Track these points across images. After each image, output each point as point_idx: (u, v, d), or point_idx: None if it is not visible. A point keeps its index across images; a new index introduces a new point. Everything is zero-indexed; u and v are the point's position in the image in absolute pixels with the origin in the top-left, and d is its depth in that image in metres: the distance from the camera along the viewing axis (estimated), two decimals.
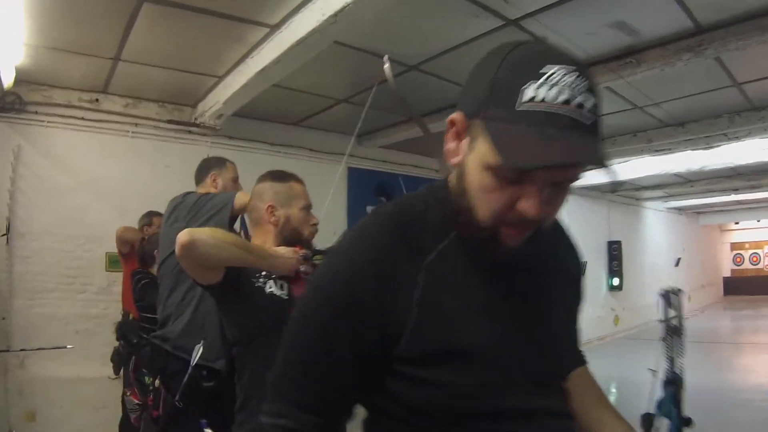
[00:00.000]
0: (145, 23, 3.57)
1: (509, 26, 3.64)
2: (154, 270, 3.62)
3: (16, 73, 4.08)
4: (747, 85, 5.03)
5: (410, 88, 4.64)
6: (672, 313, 3.33)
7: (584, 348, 1.18)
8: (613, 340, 10.37)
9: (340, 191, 5.93)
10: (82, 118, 4.83)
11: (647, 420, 2.83)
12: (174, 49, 4.03)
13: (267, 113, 5.65)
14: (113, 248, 4.34)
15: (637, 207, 12.54)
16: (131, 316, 4.07)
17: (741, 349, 10.03)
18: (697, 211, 15.78)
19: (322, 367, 0.90)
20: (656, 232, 13.46)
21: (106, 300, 4.79)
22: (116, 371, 4.11)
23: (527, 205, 0.81)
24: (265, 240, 1.96)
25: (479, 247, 0.89)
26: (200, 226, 2.70)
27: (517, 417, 0.89)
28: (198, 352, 2.39)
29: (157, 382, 2.85)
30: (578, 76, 0.76)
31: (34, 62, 4.13)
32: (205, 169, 3.25)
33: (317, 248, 2.11)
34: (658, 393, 3.13)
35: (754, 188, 10.38)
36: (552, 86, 0.75)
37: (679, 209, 14.62)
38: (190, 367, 2.43)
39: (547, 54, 0.78)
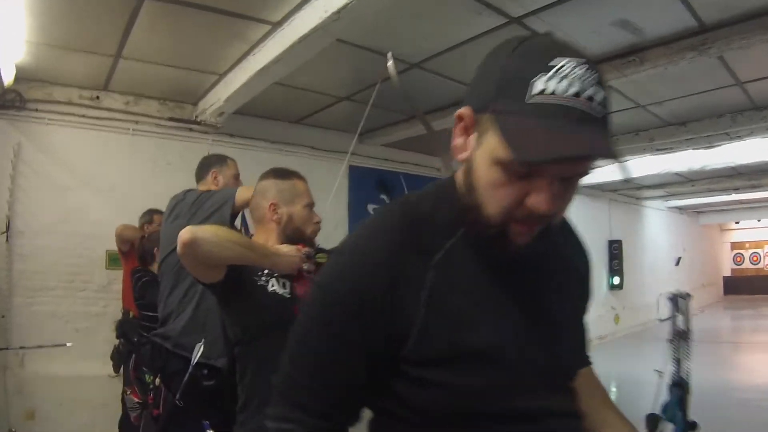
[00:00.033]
0: (147, 20, 3.55)
1: (512, 24, 3.61)
2: (154, 268, 3.61)
3: (17, 70, 4.07)
4: (749, 85, 5.01)
5: (412, 86, 4.62)
6: (679, 316, 3.31)
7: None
8: (613, 339, 10.36)
9: (342, 189, 5.91)
10: (83, 116, 4.81)
11: (652, 421, 2.82)
12: (175, 46, 4.01)
13: (268, 111, 5.63)
14: (113, 246, 4.32)
15: (637, 206, 12.53)
16: (131, 314, 4.06)
17: (741, 348, 10.03)
18: (698, 211, 15.77)
19: (330, 369, 0.89)
20: (657, 231, 13.44)
21: (106, 298, 4.78)
22: (116, 369, 4.10)
23: (537, 201, 0.79)
24: (267, 238, 1.94)
25: (487, 245, 0.88)
26: (201, 223, 2.69)
27: (526, 418, 0.88)
28: (199, 350, 2.38)
29: (157, 380, 2.84)
30: (587, 69, 0.76)
31: (34, 59, 4.11)
32: (205, 166, 3.23)
33: (320, 246, 2.10)
34: (664, 396, 3.11)
35: (754, 188, 10.37)
36: (562, 78, 0.74)
37: (680, 208, 14.61)
38: (190, 366, 2.41)
39: (556, 47, 0.78)
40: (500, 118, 0.78)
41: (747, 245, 19.86)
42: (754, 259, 19.70)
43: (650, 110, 5.73)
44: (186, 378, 2.48)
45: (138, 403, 3.14)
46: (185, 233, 1.62)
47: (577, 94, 0.74)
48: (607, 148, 0.75)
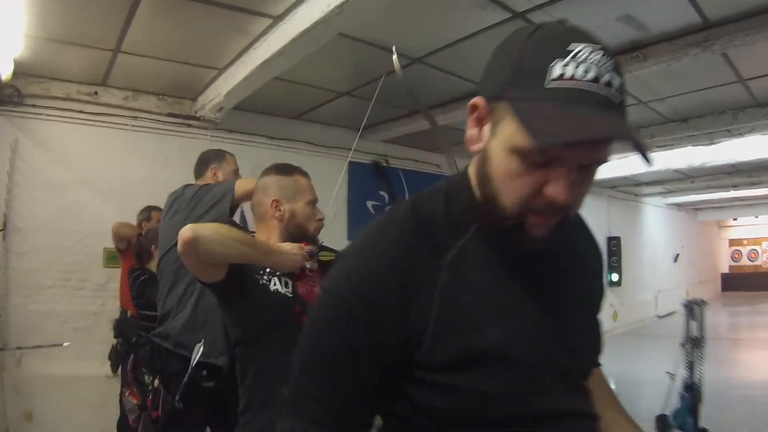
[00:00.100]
0: (147, 13, 3.51)
1: (516, 19, 3.58)
2: (152, 266, 3.58)
3: (14, 65, 4.02)
4: (752, 81, 5.00)
5: (414, 82, 4.59)
6: (694, 323, 3.27)
7: None
8: (612, 336, 10.35)
9: (341, 185, 5.87)
10: (81, 111, 4.77)
11: (662, 423, 2.79)
12: (175, 40, 3.97)
13: (267, 106, 5.59)
14: (111, 244, 4.29)
15: (636, 203, 12.52)
16: (129, 314, 4.02)
17: (740, 345, 10.02)
18: (696, 208, 15.79)
19: (342, 378, 0.85)
20: (655, 228, 13.45)
21: (104, 296, 4.74)
22: (114, 370, 4.07)
23: (555, 190, 0.77)
24: (269, 235, 1.90)
25: (502, 239, 0.85)
26: (200, 217, 2.67)
27: (542, 419, 0.85)
28: (198, 351, 2.34)
29: (156, 382, 2.80)
30: (604, 55, 0.74)
31: (32, 54, 4.06)
32: (204, 162, 3.20)
33: (323, 244, 2.06)
34: (675, 402, 3.09)
35: (753, 185, 10.39)
36: (580, 63, 0.73)
37: (678, 205, 14.62)
38: (190, 368, 2.38)
39: (572, 33, 0.77)
40: (517, 104, 0.76)
41: (745, 242, 19.88)
42: (752, 255, 19.71)
43: (652, 107, 5.70)
44: (185, 379, 2.44)
45: (137, 404, 3.10)
46: (186, 231, 1.58)
47: (595, 79, 0.73)
48: (629, 132, 0.74)
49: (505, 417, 0.83)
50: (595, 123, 0.72)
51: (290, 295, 1.77)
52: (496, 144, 0.81)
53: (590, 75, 0.73)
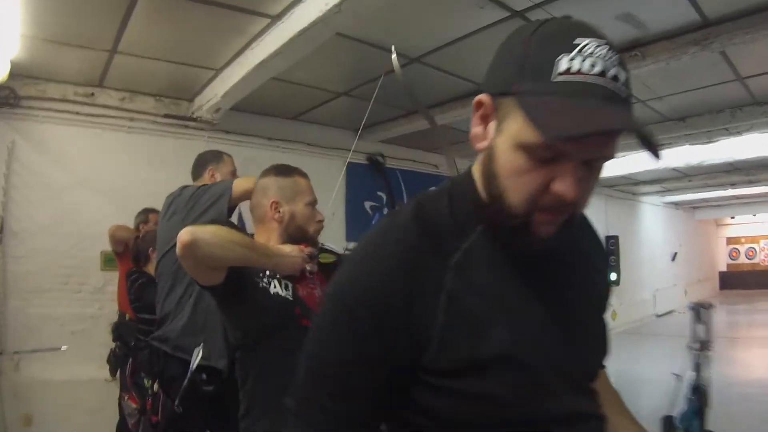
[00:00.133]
0: (143, 14, 3.49)
1: (515, 18, 3.57)
2: (149, 269, 3.55)
3: (10, 66, 3.99)
4: (750, 80, 5.00)
5: (412, 81, 4.58)
6: (701, 326, 3.25)
7: None
8: (611, 335, 10.36)
9: (339, 186, 5.85)
10: (78, 113, 4.74)
11: (668, 423, 2.77)
12: (172, 40, 3.94)
13: (264, 107, 5.57)
14: (109, 246, 4.27)
15: (634, 202, 12.53)
16: (127, 317, 4.00)
17: (738, 343, 10.03)
18: (694, 206, 15.81)
19: (351, 386, 0.83)
20: (653, 226, 13.46)
21: (102, 300, 4.71)
22: (113, 373, 4.05)
23: (563, 186, 0.76)
24: (268, 237, 1.88)
25: (509, 239, 0.84)
26: (198, 217, 2.65)
27: (550, 422, 0.84)
28: (197, 355, 2.32)
29: (155, 385, 2.78)
30: (609, 49, 0.74)
31: (28, 55, 4.04)
32: (202, 164, 3.18)
33: (323, 246, 2.04)
34: (681, 405, 3.07)
35: (751, 183, 10.39)
36: (586, 57, 0.72)
37: (676, 204, 14.63)
38: (189, 372, 2.36)
39: (577, 28, 0.76)
40: (524, 98, 0.75)
41: (743, 240, 19.90)
42: (750, 254, 19.72)
43: (650, 105, 5.70)
44: (185, 383, 2.42)
45: (136, 409, 3.08)
46: (184, 234, 1.56)
47: (602, 73, 0.73)
48: (638, 125, 0.73)
49: (513, 421, 0.82)
50: (603, 116, 0.72)
51: (290, 298, 1.75)
52: (502, 140, 0.80)
53: (597, 69, 0.72)
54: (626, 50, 4.06)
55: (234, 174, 3.15)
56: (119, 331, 3.95)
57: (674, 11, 3.59)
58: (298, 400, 0.87)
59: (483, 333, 0.80)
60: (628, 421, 1.08)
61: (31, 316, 4.42)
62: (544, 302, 0.87)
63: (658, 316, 12.91)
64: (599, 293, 1.05)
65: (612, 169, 8.26)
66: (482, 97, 0.84)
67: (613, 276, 10.71)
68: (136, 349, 3.38)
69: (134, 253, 3.77)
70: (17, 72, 4.24)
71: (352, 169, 6.02)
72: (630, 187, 11.30)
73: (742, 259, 19.95)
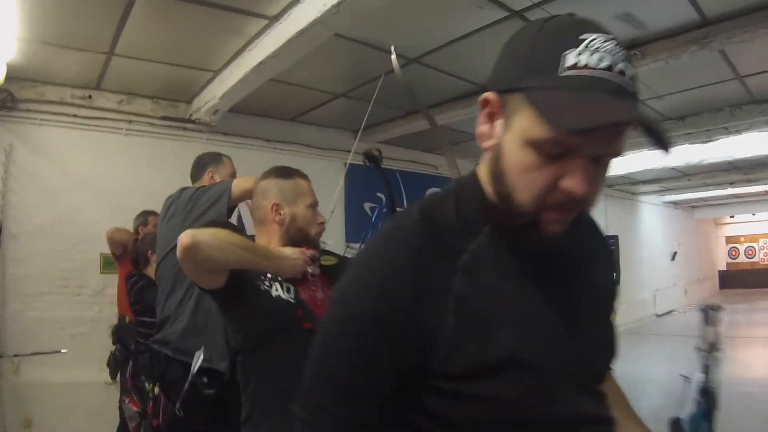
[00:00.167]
0: (140, 15, 3.48)
1: (513, 18, 3.57)
2: (149, 271, 3.53)
3: (7, 69, 3.98)
4: (749, 78, 5.01)
5: (411, 82, 4.56)
6: (710, 328, 3.23)
7: None
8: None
9: (339, 187, 5.85)
10: (75, 116, 4.74)
11: (676, 426, 2.75)
12: (169, 42, 3.93)
13: (263, 109, 5.56)
14: (108, 249, 4.25)
15: (633, 201, 12.52)
16: (127, 320, 3.98)
17: (738, 342, 10.02)
18: (693, 205, 15.81)
19: (360, 393, 0.82)
20: (652, 226, 13.45)
21: (101, 302, 4.70)
22: (113, 376, 4.03)
23: (572, 182, 0.75)
24: (269, 240, 1.86)
25: (517, 239, 0.83)
26: (198, 218, 2.63)
27: (560, 425, 0.83)
28: (198, 359, 2.30)
29: (156, 389, 2.76)
30: (616, 44, 0.74)
31: (25, 58, 4.03)
32: (201, 165, 3.16)
33: (324, 248, 2.03)
34: (690, 407, 3.05)
35: (750, 182, 10.40)
36: (593, 52, 0.72)
37: (675, 203, 14.64)
38: (190, 375, 2.34)
39: (583, 23, 0.76)
40: (532, 94, 0.75)
41: (742, 239, 19.89)
42: (749, 253, 19.72)
43: (649, 105, 5.70)
44: (186, 387, 2.40)
45: (137, 412, 3.07)
46: (185, 237, 1.54)
47: (609, 68, 0.72)
48: (647, 118, 0.73)
49: (521, 424, 0.81)
50: (612, 109, 0.71)
51: (292, 301, 1.74)
52: (510, 138, 0.79)
53: (604, 63, 0.72)
54: (626, 50, 4.05)
55: (233, 176, 3.13)
56: (119, 334, 3.93)
57: (673, 10, 3.59)
58: (305, 406, 0.85)
59: (492, 335, 0.79)
60: (636, 423, 1.07)
61: (30, 319, 4.40)
62: (552, 304, 0.86)
63: (658, 315, 12.89)
64: (606, 294, 1.04)
65: (611, 168, 8.25)
66: (488, 94, 0.83)
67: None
68: (137, 352, 3.36)
69: (133, 256, 3.75)
70: (14, 75, 4.24)
71: (351, 170, 6.02)
72: (629, 186, 11.30)
73: (742, 258, 19.94)
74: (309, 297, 1.80)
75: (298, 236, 1.87)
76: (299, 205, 1.88)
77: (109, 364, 4.03)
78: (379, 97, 3.90)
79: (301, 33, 3.28)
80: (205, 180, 3.07)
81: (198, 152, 3.38)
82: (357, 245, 2.85)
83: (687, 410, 3.04)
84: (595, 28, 0.75)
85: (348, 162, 3.55)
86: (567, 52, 0.73)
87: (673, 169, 9.22)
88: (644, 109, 5.74)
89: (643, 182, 10.79)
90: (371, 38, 3.92)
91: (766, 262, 19.40)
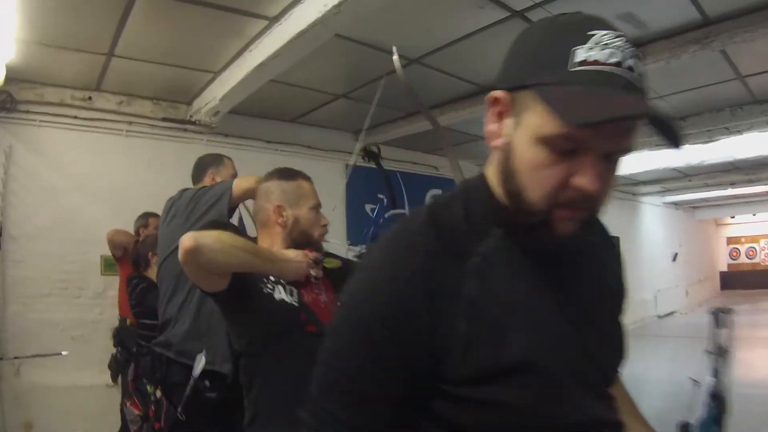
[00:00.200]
0: (140, 16, 3.46)
1: (514, 18, 3.56)
2: (149, 273, 3.52)
3: (7, 70, 3.97)
4: (750, 78, 5.00)
5: (411, 83, 4.56)
6: (720, 333, 3.20)
7: None
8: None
9: (340, 189, 5.84)
10: (75, 117, 4.72)
11: (685, 429, 2.72)
12: (169, 43, 3.92)
13: (263, 110, 5.55)
14: (108, 251, 4.24)
15: (634, 202, 12.50)
16: (128, 322, 3.96)
17: (739, 344, 10.02)
18: (693, 206, 15.79)
19: (370, 399, 0.80)
20: (653, 227, 13.44)
21: (102, 304, 4.68)
22: (114, 379, 4.01)
23: (584, 179, 0.75)
24: (272, 242, 1.85)
25: (528, 239, 0.83)
26: (199, 219, 2.62)
27: (571, 429, 0.82)
28: (200, 363, 2.28)
29: (158, 392, 2.75)
30: (625, 41, 0.75)
31: (25, 59, 4.02)
32: (202, 167, 3.15)
33: (328, 251, 2.02)
34: (699, 412, 3.02)
35: (751, 182, 10.37)
36: (603, 48, 0.73)
37: (676, 204, 14.61)
38: (192, 379, 2.32)
39: (591, 20, 0.77)
40: (543, 89, 0.75)
41: (743, 240, 19.85)
42: (750, 253, 19.67)
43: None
44: (188, 391, 2.38)
45: (139, 415, 3.05)
46: (187, 240, 1.53)
47: (618, 64, 0.73)
48: (660, 112, 0.72)
49: (533, 428, 0.80)
50: (624, 103, 0.71)
51: (296, 304, 1.72)
52: (520, 135, 0.79)
53: (614, 59, 0.72)
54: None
55: (234, 177, 3.11)
56: (120, 336, 3.91)
57: (674, 10, 3.59)
58: (311, 411, 0.84)
59: (504, 339, 0.78)
60: (645, 428, 1.07)
61: (31, 321, 4.38)
62: (562, 306, 0.85)
63: (660, 317, 12.87)
64: (616, 296, 1.04)
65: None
66: (497, 92, 0.83)
67: None
68: (138, 355, 3.34)
69: (134, 258, 3.73)
70: (14, 76, 4.22)
71: (352, 172, 6.02)
72: (630, 187, 11.30)
73: (743, 259, 19.89)
74: (312, 300, 1.79)
75: (302, 238, 1.86)
76: (302, 207, 1.87)
77: (110, 367, 4.01)
78: (379, 98, 3.90)
79: (302, 34, 3.27)
80: (207, 181, 3.06)
81: (198, 154, 3.37)
82: (358, 248, 2.84)
83: (696, 415, 3.01)
84: (604, 24, 0.75)
85: (351, 164, 3.54)
86: (576, 47, 0.73)
87: (673, 169, 9.21)
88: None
89: (644, 183, 10.79)
90: (372, 39, 3.91)
91: (767, 263, 19.36)
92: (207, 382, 2.45)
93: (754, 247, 19.58)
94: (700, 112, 5.95)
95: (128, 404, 3.33)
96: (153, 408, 2.79)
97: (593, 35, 0.73)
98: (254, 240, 1.88)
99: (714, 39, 3.75)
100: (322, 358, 0.84)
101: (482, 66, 4.41)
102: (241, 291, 1.65)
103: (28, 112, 4.51)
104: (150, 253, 3.53)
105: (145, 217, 4.05)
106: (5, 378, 4.26)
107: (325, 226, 1.94)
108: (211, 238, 1.57)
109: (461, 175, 2.89)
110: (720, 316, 3.13)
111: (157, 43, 3.91)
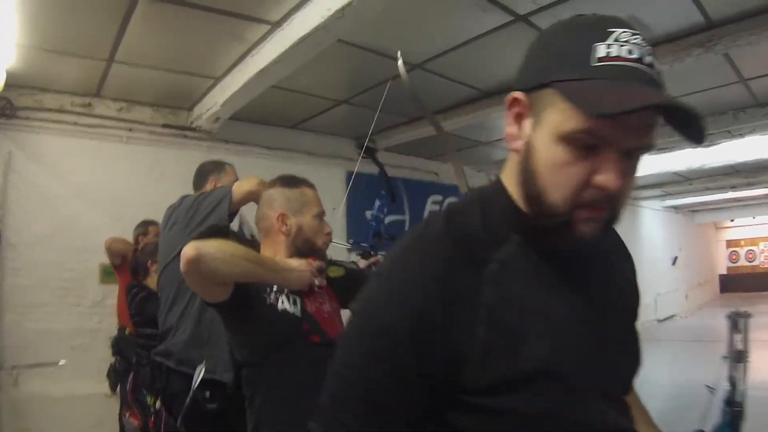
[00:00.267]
0: (141, 21, 3.43)
1: (518, 22, 3.54)
2: (149, 281, 3.49)
3: (6, 76, 3.94)
4: (753, 81, 4.98)
5: (414, 88, 4.55)
6: (738, 336, 3.16)
7: None
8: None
9: (341, 195, 5.82)
10: (75, 123, 4.69)
11: None
12: (170, 49, 3.90)
13: (264, 116, 5.52)
14: (107, 259, 4.21)
15: (633, 206, 12.49)
16: (127, 331, 3.93)
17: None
18: (693, 210, 15.79)
19: (386, 410, 0.78)
20: (653, 231, 13.42)
21: (101, 313, 4.64)
22: (113, 388, 3.98)
23: (606, 176, 0.75)
24: (275, 251, 1.83)
25: (547, 244, 0.83)
26: (200, 224, 2.59)
27: None
28: (199, 374, 2.25)
29: (158, 403, 2.71)
30: (642, 39, 0.75)
31: (24, 65, 3.99)
32: (203, 174, 3.13)
33: (332, 259, 1.99)
34: (715, 419, 2.99)
35: (750, 185, 10.37)
36: (623, 44, 0.74)
37: (675, 208, 14.62)
38: (191, 390, 2.29)
39: (609, 19, 0.77)
40: (564, 86, 0.75)
41: (742, 243, 19.90)
42: (750, 256, 19.73)
43: None
44: (188, 402, 2.35)
45: (138, 426, 3.01)
46: (189, 249, 1.50)
47: (639, 60, 0.74)
48: (684, 104, 0.72)
49: None
50: (647, 94, 0.72)
51: (299, 314, 1.70)
52: (540, 135, 0.79)
53: (634, 55, 0.73)
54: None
55: None
56: (119, 345, 3.88)
57: (678, 13, 3.56)
58: (323, 422, 0.81)
59: (523, 347, 0.77)
60: None
61: (29, 330, 4.34)
62: (580, 313, 0.84)
63: (660, 321, 12.84)
64: (631, 302, 1.04)
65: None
66: (516, 94, 0.83)
67: None
68: (139, 365, 3.31)
69: (133, 266, 3.69)
70: (13, 82, 4.20)
71: (353, 179, 5.99)
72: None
73: (742, 262, 19.95)
74: (316, 310, 1.77)
75: (305, 247, 1.84)
76: (306, 215, 1.85)
77: (108, 376, 3.98)
78: (382, 104, 3.87)
79: (304, 39, 3.24)
80: (208, 188, 3.03)
81: (199, 160, 3.34)
82: (362, 245, 2.84)
83: (709, 422, 2.98)
84: (623, 23, 0.76)
85: (355, 171, 3.52)
86: (597, 44, 0.74)
87: (674, 173, 9.21)
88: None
89: (644, 187, 10.78)
90: (374, 44, 3.88)
91: (766, 266, 19.41)
92: (207, 393, 2.42)
93: (753, 250, 19.62)
94: (702, 115, 5.91)
95: (127, 415, 3.30)
96: (153, 419, 2.76)
97: (613, 32, 0.74)
98: (257, 248, 1.85)
99: (717, 42, 3.73)
100: (334, 367, 0.82)
101: (485, 71, 4.38)
102: (244, 301, 1.63)
103: (27, 118, 4.48)
104: (149, 262, 3.50)
105: (145, 225, 4.02)
106: (3, 388, 4.22)
107: (329, 234, 1.92)
108: (213, 247, 1.54)
109: (465, 181, 2.86)
110: (738, 321, 3.09)
111: (157, 48, 3.88)
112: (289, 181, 1.89)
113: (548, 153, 0.77)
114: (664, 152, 7.38)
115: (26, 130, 4.49)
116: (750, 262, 19.76)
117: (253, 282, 1.65)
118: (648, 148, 0.78)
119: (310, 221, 1.85)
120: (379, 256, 2.98)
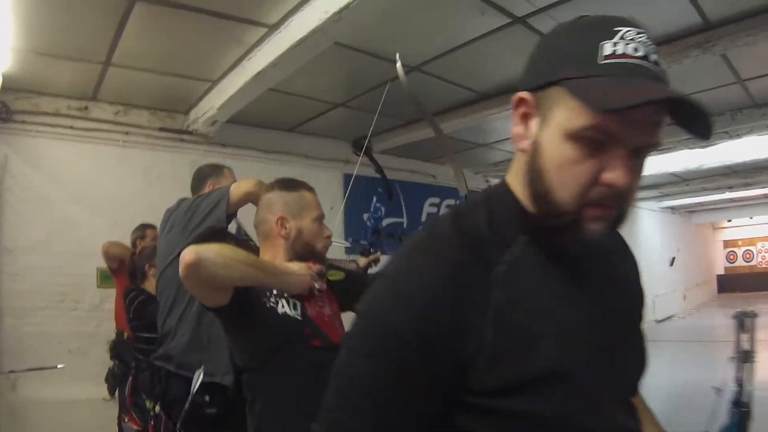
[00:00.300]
0: (137, 24, 3.43)
1: (516, 24, 3.54)
2: (146, 285, 3.47)
3: (2, 80, 3.93)
4: (750, 82, 5.00)
5: (412, 90, 4.55)
6: (744, 336, 3.14)
7: None
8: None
9: (338, 198, 5.80)
10: (71, 127, 4.69)
11: None
12: (167, 52, 3.89)
13: (261, 119, 5.52)
14: (105, 263, 4.18)
15: (630, 207, 12.50)
16: (125, 335, 3.91)
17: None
18: (690, 210, 15.82)
19: (393, 414, 0.77)
20: (650, 232, 13.42)
21: (99, 317, 4.63)
22: (111, 392, 3.96)
23: (614, 174, 0.74)
24: (274, 255, 1.81)
25: (555, 244, 0.82)
26: (197, 226, 2.57)
27: None
28: (198, 378, 2.23)
29: (157, 407, 2.69)
30: (648, 37, 0.76)
31: (20, 68, 3.99)
32: (201, 177, 3.11)
33: (331, 263, 1.97)
34: (722, 420, 2.97)
35: (748, 185, 10.40)
36: (629, 42, 0.74)
37: (673, 208, 14.64)
38: (190, 395, 2.27)
39: (614, 18, 0.77)
40: (571, 83, 0.75)
41: (740, 243, 19.97)
42: (747, 256, 19.81)
43: None
44: (187, 406, 2.33)
45: (137, 431, 3.00)
46: (188, 254, 1.49)
47: (645, 57, 0.74)
48: (692, 99, 0.72)
49: None
50: (655, 89, 0.72)
51: (299, 318, 1.68)
52: (548, 133, 0.78)
53: (640, 53, 0.74)
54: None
55: None
56: (117, 349, 3.86)
57: (676, 14, 3.57)
58: (326, 425, 0.80)
59: (532, 348, 0.76)
60: None
61: (27, 335, 4.34)
62: (588, 314, 0.83)
63: (658, 321, 12.84)
64: (637, 303, 1.03)
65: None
66: (522, 93, 0.82)
67: None
68: (138, 370, 3.29)
69: (131, 270, 3.67)
70: (9, 86, 4.19)
71: (348, 181, 5.98)
72: None
73: (740, 262, 20.04)
74: (316, 313, 1.75)
75: (305, 250, 1.82)
76: (305, 218, 1.83)
77: (107, 380, 3.96)
78: (377, 107, 3.87)
79: (302, 41, 3.24)
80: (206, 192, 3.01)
81: (196, 164, 3.33)
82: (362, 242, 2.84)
83: (718, 424, 2.96)
84: (628, 22, 0.76)
85: (356, 169, 3.52)
86: (604, 42, 0.74)
87: (672, 174, 9.22)
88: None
89: (642, 188, 10.78)
90: (371, 47, 3.88)
91: (763, 266, 19.49)
92: (207, 398, 2.40)
93: (750, 250, 19.70)
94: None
95: (126, 419, 3.28)
96: (152, 423, 2.74)
97: (619, 31, 0.74)
98: (256, 251, 1.84)
99: (715, 43, 3.74)
100: (338, 369, 0.81)
101: (482, 73, 4.39)
102: (244, 305, 1.61)
103: (23, 122, 4.48)
104: (147, 265, 3.47)
105: (142, 229, 4.00)
106: (1, 392, 4.21)
107: (328, 237, 1.90)
108: (212, 251, 1.53)
109: (465, 183, 2.86)
110: (745, 321, 3.07)
111: (154, 51, 3.88)
112: (287, 185, 1.88)
113: (556, 151, 0.77)
114: (661, 153, 7.39)
115: (22, 134, 4.48)
116: (747, 262, 19.84)
117: (253, 286, 1.63)
118: (655, 146, 0.78)
119: (309, 224, 1.83)
120: (378, 254, 2.97)
